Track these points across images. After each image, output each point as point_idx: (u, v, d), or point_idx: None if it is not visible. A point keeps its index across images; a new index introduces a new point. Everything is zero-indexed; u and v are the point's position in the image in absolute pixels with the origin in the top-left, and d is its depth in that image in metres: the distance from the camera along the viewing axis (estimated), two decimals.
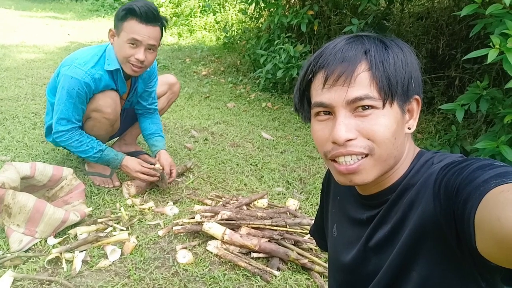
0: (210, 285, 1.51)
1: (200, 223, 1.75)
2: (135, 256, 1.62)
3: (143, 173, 2.04)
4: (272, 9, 4.48)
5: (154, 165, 2.30)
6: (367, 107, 0.68)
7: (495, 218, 0.49)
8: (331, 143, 0.71)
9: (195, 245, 1.70)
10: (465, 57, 1.98)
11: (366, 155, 0.70)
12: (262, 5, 4.48)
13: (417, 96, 0.74)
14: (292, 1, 4.72)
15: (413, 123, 0.75)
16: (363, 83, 0.68)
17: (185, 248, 1.67)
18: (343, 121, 0.69)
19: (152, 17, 1.83)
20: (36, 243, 1.63)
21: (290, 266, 1.66)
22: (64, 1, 11.14)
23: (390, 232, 0.73)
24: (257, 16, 5.12)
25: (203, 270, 1.57)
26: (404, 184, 0.73)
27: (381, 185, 0.77)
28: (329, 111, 0.72)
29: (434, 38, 3.69)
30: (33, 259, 1.55)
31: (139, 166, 2.04)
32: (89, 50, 1.97)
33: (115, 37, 1.89)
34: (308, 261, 1.63)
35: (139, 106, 2.28)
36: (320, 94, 0.72)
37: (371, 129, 0.68)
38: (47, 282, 1.43)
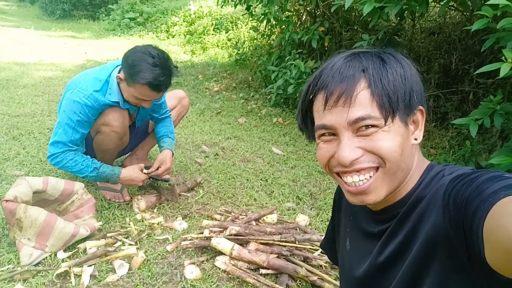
0: None
1: (208, 238, 1.74)
2: (143, 271, 1.61)
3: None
4: (283, 26, 4.53)
5: (167, 181, 2.32)
6: (369, 126, 0.68)
7: (503, 227, 0.49)
8: (336, 161, 0.72)
9: (203, 261, 1.69)
10: (477, 71, 1.95)
11: (377, 169, 0.70)
12: (274, 22, 4.54)
13: (421, 107, 0.74)
14: (303, 18, 4.77)
15: (419, 134, 0.75)
16: (363, 103, 0.68)
17: (193, 263, 1.65)
18: (347, 142, 0.69)
19: (164, 87, 1.88)
20: (46, 257, 1.64)
21: (299, 283, 1.63)
22: (82, 21, 11.50)
23: (400, 245, 0.73)
24: (269, 33, 5.19)
25: (211, 286, 1.55)
26: (414, 197, 0.73)
27: (391, 199, 0.77)
28: (333, 132, 0.72)
29: (447, 53, 3.67)
30: (42, 273, 1.56)
31: (143, 175, 2.07)
32: (92, 74, 1.97)
33: (123, 81, 1.89)
34: (318, 278, 1.60)
35: (153, 118, 2.36)
36: (322, 116, 0.72)
37: (376, 146, 0.69)
38: None
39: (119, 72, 1.92)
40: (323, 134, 0.74)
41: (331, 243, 1.06)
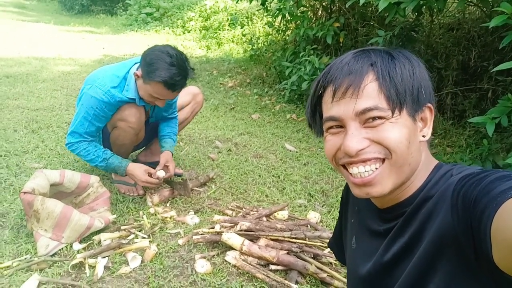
0: None
1: (219, 233, 1.76)
2: (155, 263, 1.65)
3: (149, 186, 2.08)
4: (298, 21, 4.50)
5: (180, 175, 2.35)
6: (376, 118, 0.69)
7: (510, 227, 0.49)
8: (343, 152, 0.72)
9: (214, 255, 1.71)
10: (495, 69, 1.91)
11: (383, 161, 0.70)
12: (289, 18, 4.52)
13: (429, 104, 0.74)
14: (318, 14, 4.73)
15: (427, 131, 0.75)
16: (371, 94, 0.69)
17: (204, 257, 1.68)
18: (353, 132, 0.70)
19: (179, 87, 1.91)
20: (62, 248, 1.69)
21: (309, 280, 1.63)
22: (100, 16, 11.67)
23: (407, 244, 0.73)
24: (284, 28, 5.16)
25: (221, 280, 1.57)
26: (422, 196, 0.73)
27: (398, 197, 0.76)
28: (340, 124, 0.73)
29: (466, 49, 3.59)
30: (58, 263, 1.60)
31: (145, 177, 2.05)
32: (111, 70, 2.01)
33: (140, 78, 1.93)
34: (327, 275, 1.60)
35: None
36: (330, 108, 0.73)
37: (382, 136, 0.69)
38: (70, 287, 1.48)
39: (137, 69, 1.96)
40: (331, 127, 0.75)
41: (339, 241, 1.06)
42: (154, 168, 2.23)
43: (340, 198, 2.34)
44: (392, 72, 0.69)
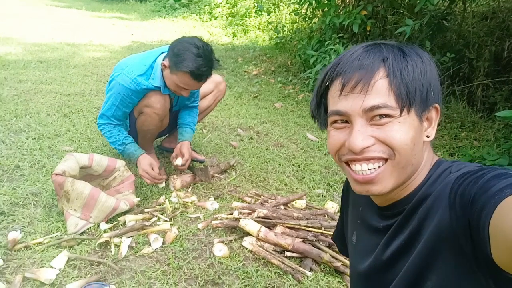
0: (243, 279, 1.57)
1: (237, 219, 1.81)
2: (175, 245, 1.73)
3: (147, 177, 2.10)
4: (325, 9, 4.44)
5: (202, 162, 2.42)
6: (384, 116, 0.68)
7: (509, 225, 0.49)
8: (347, 149, 0.72)
9: (231, 240, 1.77)
10: None
11: (386, 161, 0.70)
12: (315, 5, 4.46)
13: (436, 105, 0.73)
14: (346, 1, 4.64)
15: (431, 132, 0.74)
16: (380, 91, 0.68)
17: (222, 242, 1.74)
18: (359, 129, 0.69)
19: (205, 77, 1.97)
20: (90, 227, 1.79)
21: (323, 268, 1.67)
22: (129, 2, 11.87)
23: (406, 241, 0.73)
24: (310, 16, 5.10)
25: (237, 264, 1.63)
26: (421, 194, 0.72)
27: (398, 195, 0.76)
28: (346, 119, 0.72)
29: (499, 39, 3.46)
30: (86, 241, 1.71)
31: (145, 169, 2.08)
32: (139, 58, 2.10)
33: (167, 69, 2.00)
34: (341, 264, 1.63)
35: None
36: (337, 102, 0.72)
37: (388, 136, 0.68)
38: (96, 263, 1.58)
39: (163, 59, 2.02)
40: (335, 121, 0.74)
41: (341, 235, 1.06)
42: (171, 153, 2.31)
43: None
44: (404, 70, 0.68)
